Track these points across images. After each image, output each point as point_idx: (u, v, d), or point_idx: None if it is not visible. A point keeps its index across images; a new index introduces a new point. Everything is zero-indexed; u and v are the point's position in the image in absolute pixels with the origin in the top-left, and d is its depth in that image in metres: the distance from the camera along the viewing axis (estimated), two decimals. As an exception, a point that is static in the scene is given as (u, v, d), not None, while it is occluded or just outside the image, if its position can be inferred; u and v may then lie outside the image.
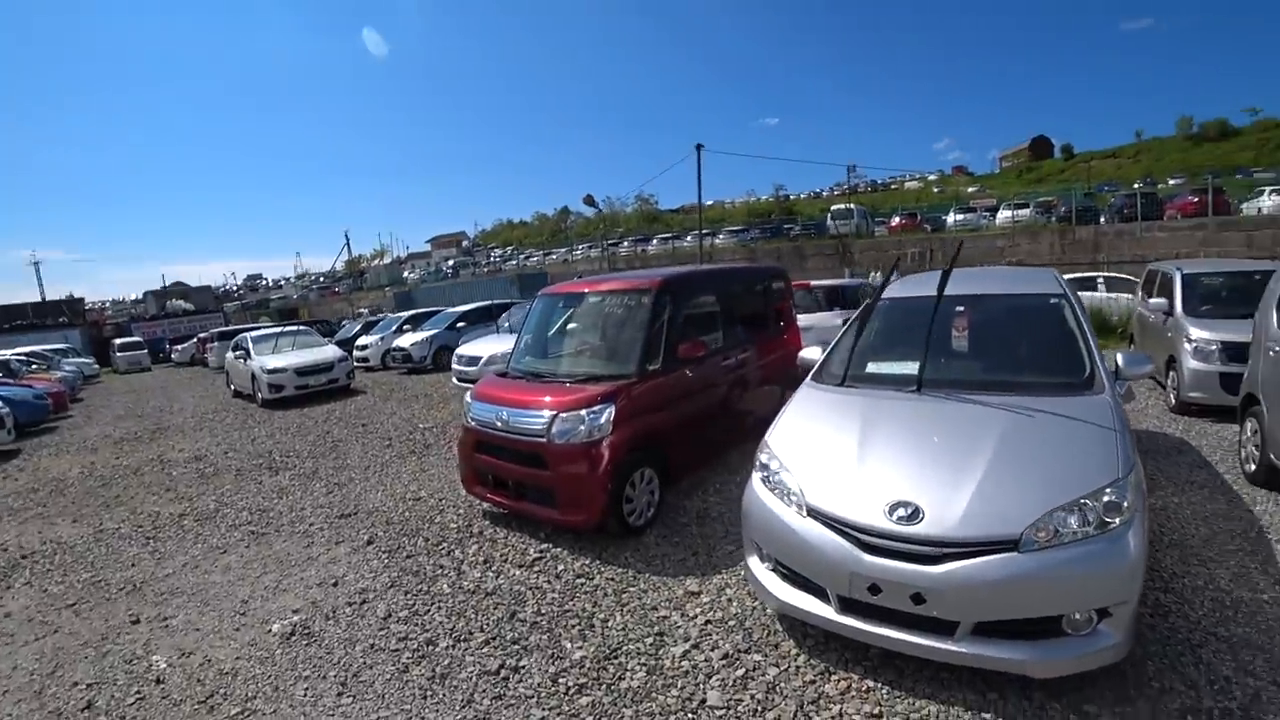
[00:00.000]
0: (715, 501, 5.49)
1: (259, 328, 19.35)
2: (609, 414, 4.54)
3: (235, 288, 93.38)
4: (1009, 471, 2.98)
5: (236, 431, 10.74)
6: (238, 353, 14.89)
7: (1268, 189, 29.95)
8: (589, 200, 36.00)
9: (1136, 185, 44.04)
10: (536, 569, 4.43)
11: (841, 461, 3.33)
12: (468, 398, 5.39)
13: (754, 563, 3.52)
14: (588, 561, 4.48)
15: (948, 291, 4.44)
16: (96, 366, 29.09)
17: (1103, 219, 31.44)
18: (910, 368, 4.19)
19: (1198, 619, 3.34)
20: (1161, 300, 8.19)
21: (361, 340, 19.09)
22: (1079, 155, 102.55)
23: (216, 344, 22.73)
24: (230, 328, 28.37)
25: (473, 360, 11.15)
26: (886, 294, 4.93)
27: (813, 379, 4.33)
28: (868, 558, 2.86)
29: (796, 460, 3.48)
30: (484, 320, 17.03)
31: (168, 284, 65.58)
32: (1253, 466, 5.18)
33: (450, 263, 68.92)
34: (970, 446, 3.16)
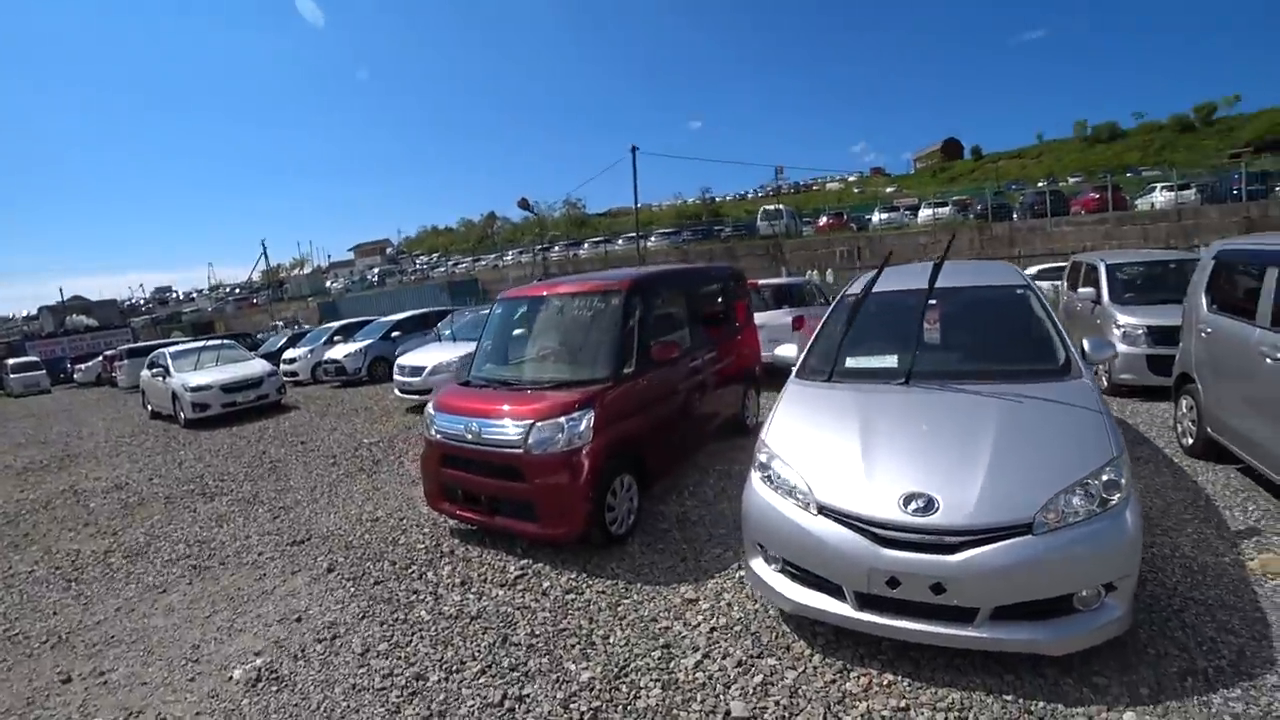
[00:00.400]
0: (693, 505, 5.40)
1: (175, 343, 18.08)
2: (588, 420, 4.37)
3: (143, 301, 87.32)
4: (1013, 458, 3.02)
5: (160, 455, 9.94)
6: (155, 370, 13.84)
7: (1159, 186, 32.49)
8: (524, 203, 35.24)
9: (1042, 184, 46.77)
10: (520, 587, 4.21)
11: (847, 457, 3.31)
12: (429, 409, 5.11)
13: (759, 565, 3.43)
14: (574, 575, 4.29)
15: (908, 286, 4.55)
16: (-15, 390, 26.62)
17: (1015, 215, 33.36)
18: (890, 361, 4.27)
19: (1173, 585, 3.51)
20: (1089, 290, 8.71)
21: (289, 353, 18.11)
22: (987, 156, 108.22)
23: (127, 362, 21.10)
24: (141, 344, 26.49)
25: (416, 370, 10.68)
26: (854, 290, 4.95)
27: (798, 376, 4.29)
28: (886, 551, 2.83)
29: (799, 458, 3.43)
30: (420, 329, 16.44)
31: (66, 299, 60.63)
32: (1189, 440, 5.53)
33: (375, 271, 66.55)
34: (971, 435, 3.19)
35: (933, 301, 4.63)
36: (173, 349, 14.24)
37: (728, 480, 5.95)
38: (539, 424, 4.35)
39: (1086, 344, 4.05)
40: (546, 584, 4.21)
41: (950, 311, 4.60)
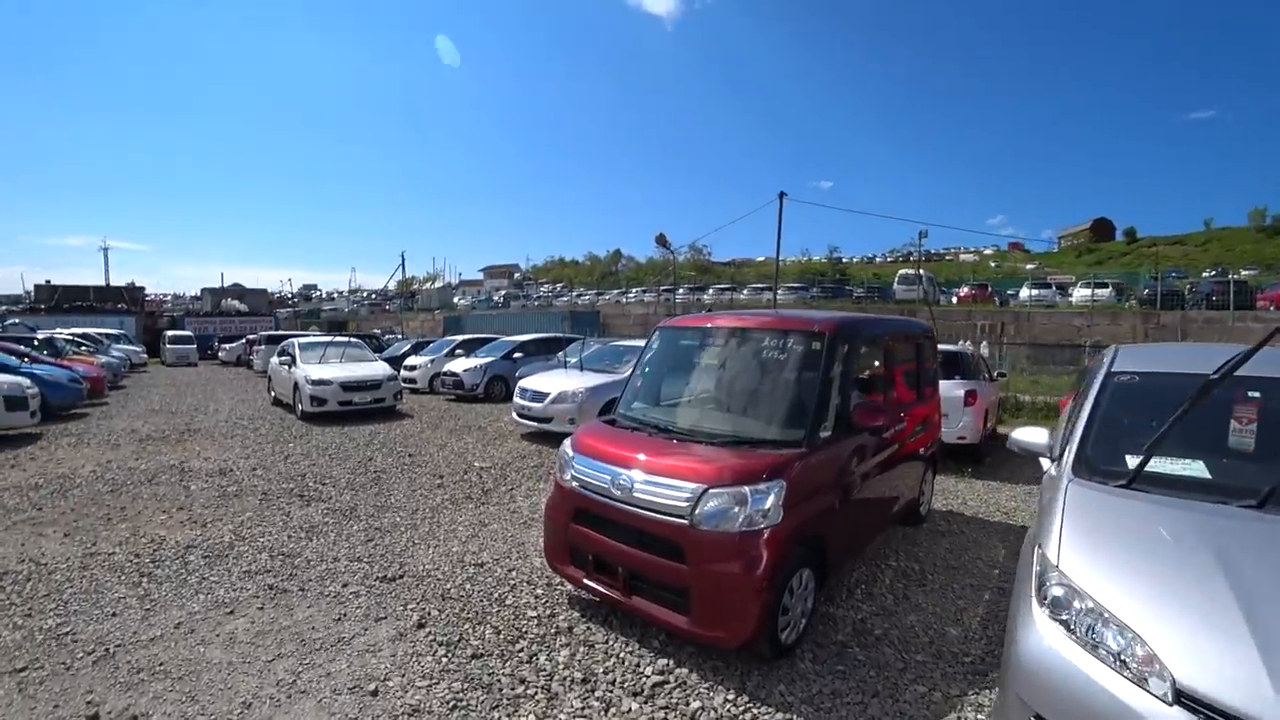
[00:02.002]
0: (870, 611, 4.18)
1: (307, 335, 18.66)
2: (777, 494, 3.29)
3: (290, 295, 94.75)
4: None
5: (270, 445, 9.71)
6: (283, 358, 14.05)
7: (1368, 285, 27.83)
8: (661, 239, 34.96)
9: (1230, 272, 41.67)
10: (660, 701, 3.13)
11: (1217, 618, 2.14)
12: (565, 448, 4.19)
13: None
14: (730, 696, 3.17)
15: (1199, 370, 3.35)
16: (145, 356, 29.06)
17: (1186, 305, 29.53)
18: (1201, 469, 3.02)
19: None
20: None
21: (410, 360, 18.19)
22: (1142, 239, 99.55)
23: (264, 347, 22.18)
24: (279, 332, 28.05)
25: (538, 395, 10.00)
26: (1131, 367, 3.69)
27: (1076, 474, 3.03)
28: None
29: (1128, 604, 2.23)
30: (542, 353, 16.05)
31: (226, 284, 66.59)
32: None
33: (501, 293, 68.83)
34: None
35: (1253, 394, 3.41)
36: (302, 340, 14.45)
37: (907, 582, 4.69)
38: (714, 490, 3.30)
39: None
40: (696, 704, 3.10)
41: (1269, 409, 3.31)
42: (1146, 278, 37.53)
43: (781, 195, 18.96)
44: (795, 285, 43.23)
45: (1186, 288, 32.53)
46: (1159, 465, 3.07)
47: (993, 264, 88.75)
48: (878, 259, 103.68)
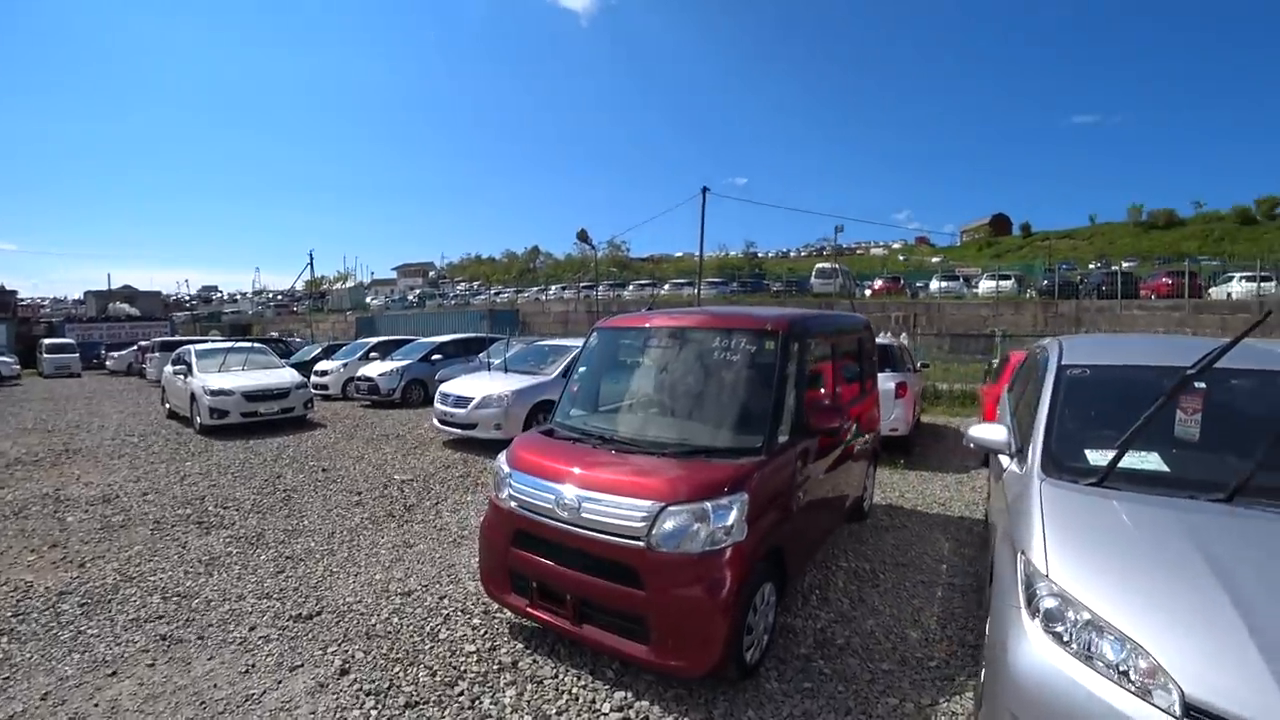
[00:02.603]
0: (829, 618, 4.03)
1: (205, 340, 17.24)
2: (740, 508, 3.04)
3: (188, 297, 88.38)
4: None
5: (164, 464, 8.77)
6: (178, 367, 12.84)
7: (1237, 275, 30.65)
8: (583, 235, 34.44)
9: (1112, 265, 44.97)
10: (621, 745, 2.84)
11: (1214, 625, 2.06)
12: (501, 463, 3.81)
13: None
14: (697, 731, 2.92)
15: (1148, 363, 3.43)
16: (17, 367, 26.25)
17: (1079, 294, 31.74)
18: (1158, 462, 3.02)
19: None
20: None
21: (321, 365, 17.10)
22: (1036, 234, 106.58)
23: (158, 354, 20.38)
24: (175, 338, 25.94)
25: (461, 400, 9.45)
26: (1080, 360, 3.69)
27: (1046, 474, 2.93)
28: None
29: (1126, 616, 2.13)
30: (463, 354, 15.39)
31: (115, 286, 61.28)
32: None
33: (416, 292, 66.50)
34: None
35: (1201, 385, 3.45)
36: (199, 346, 13.25)
37: (860, 583, 4.59)
38: (672, 508, 3.01)
39: None
40: (659, 744, 2.83)
41: (1216, 400, 3.37)
42: (1041, 270, 40.09)
43: (705, 190, 19.00)
44: (715, 280, 43.67)
45: (1079, 279, 34.96)
46: (1103, 458, 3.03)
47: (901, 257, 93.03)
48: (792, 254, 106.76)
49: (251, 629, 3.96)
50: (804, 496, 3.83)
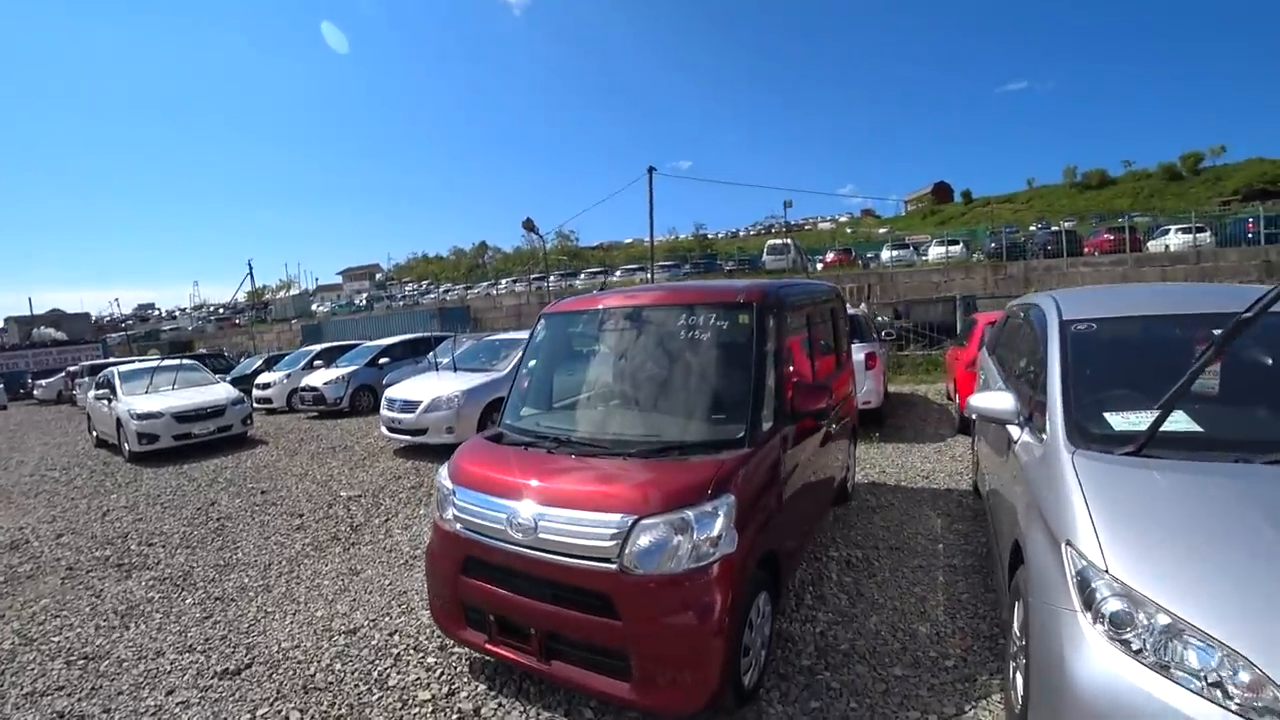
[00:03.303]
0: (828, 619, 3.65)
1: (128, 361, 16.11)
2: (727, 512, 2.60)
3: (123, 317, 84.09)
4: None
5: (85, 500, 7.97)
6: (101, 391, 11.87)
7: (1173, 228, 31.71)
8: (529, 224, 33.53)
9: (1051, 225, 46.10)
10: (608, 808, 2.39)
11: None
12: (442, 478, 3.30)
13: None
14: (694, 780, 2.49)
15: (1159, 312, 3.16)
16: (-65, 404, 24.41)
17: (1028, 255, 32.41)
18: (1186, 421, 2.67)
19: None
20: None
21: (263, 377, 16.14)
22: (978, 200, 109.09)
23: (88, 379, 19.06)
24: (103, 361, 24.42)
25: (409, 405, 8.83)
26: (1082, 315, 3.34)
27: (1075, 445, 2.54)
28: None
29: (1212, 616, 1.76)
30: (410, 355, 14.69)
31: (39, 311, 57.85)
32: None
33: (363, 296, 64.41)
34: None
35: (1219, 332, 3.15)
36: (123, 368, 12.28)
37: (855, 574, 4.23)
38: (646, 521, 2.55)
39: None
40: (652, 802, 2.40)
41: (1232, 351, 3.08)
42: (985, 234, 40.80)
43: (650, 170, 18.55)
44: (666, 264, 43.21)
45: (1024, 240, 35.70)
46: (1139, 421, 2.68)
47: (849, 230, 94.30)
48: (741, 233, 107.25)
49: (169, 693, 3.38)
50: (792, 488, 3.42)
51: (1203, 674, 1.69)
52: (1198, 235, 29.45)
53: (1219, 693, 1.66)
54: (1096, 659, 1.85)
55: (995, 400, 3.21)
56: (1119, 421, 2.69)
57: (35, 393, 27.82)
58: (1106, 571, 1.94)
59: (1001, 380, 4.33)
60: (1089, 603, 1.94)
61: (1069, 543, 2.10)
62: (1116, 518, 2.09)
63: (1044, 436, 2.74)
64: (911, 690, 2.97)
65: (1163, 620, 1.78)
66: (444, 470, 3.33)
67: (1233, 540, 1.94)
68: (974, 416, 3.41)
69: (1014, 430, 3.15)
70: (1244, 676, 1.63)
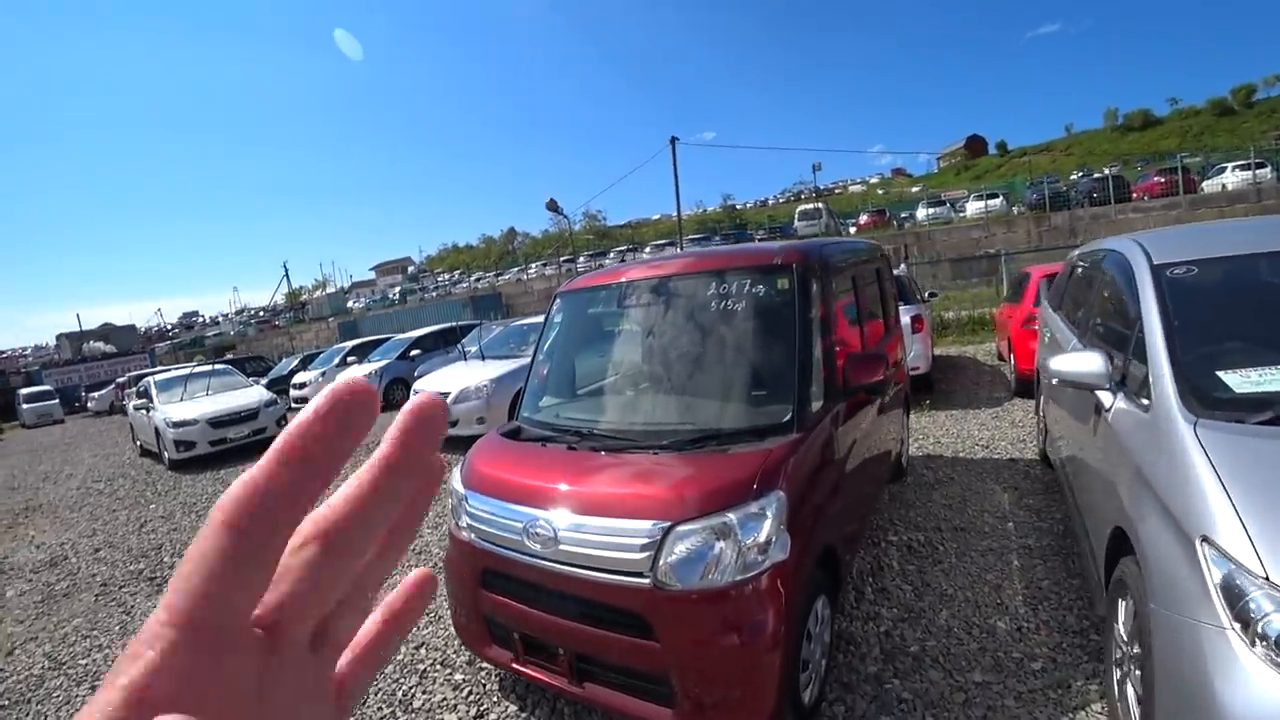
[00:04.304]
0: (891, 616, 3.27)
1: (163, 370, 16.35)
2: (776, 511, 2.25)
3: (169, 327, 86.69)
4: None
5: (125, 511, 7.98)
6: (140, 401, 12.00)
7: (1230, 166, 29.89)
8: (552, 204, 33.29)
9: (1094, 172, 44.10)
10: None
11: None
12: (455, 483, 3.00)
13: None
14: (754, 821, 2.17)
15: (1264, 248, 2.72)
16: (-4, 423, 25.40)
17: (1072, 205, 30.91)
18: None
19: None
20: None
21: (299, 377, 16.23)
22: (1013, 151, 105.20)
23: (135, 389, 19.52)
24: (150, 370, 25.04)
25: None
26: (1178, 257, 2.84)
27: (1197, 415, 2.10)
28: None
29: None
30: (442, 345, 14.54)
31: (88, 326, 59.97)
32: None
33: (397, 289, 65.10)
34: None
35: None
36: (158, 376, 12.40)
37: (919, 561, 3.84)
38: (683, 528, 2.21)
39: None
40: None
41: None
42: (1024, 186, 39.15)
43: (673, 140, 17.99)
44: (696, 236, 42.55)
45: (1069, 189, 34.10)
46: (1265, 380, 2.23)
47: (880, 191, 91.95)
48: (770, 201, 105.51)
49: None
50: (848, 472, 3.04)
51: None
52: (1257, 172, 27.66)
53: None
54: (1256, 688, 1.46)
55: (1082, 362, 2.77)
56: (1239, 381, 2.24)
57: (89, 405, 28.65)
58: (1267, 579, 1.53)
59: (1076, 339, 3.86)
60: (1242, 617, 1.54)
61: (1206, 539, 1.70)
62: (1269, 507, 1.67)
63: (1147, 403, 2.31)
64: (995, 700, 2.60)
65: None
66: (456, 472, 3.04)
67: None
68: (1053, 380, 2.98)
69: (1104, 396, 2.71)
70: None
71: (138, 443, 13.02)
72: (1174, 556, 1.81)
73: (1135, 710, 2.05)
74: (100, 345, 46.71)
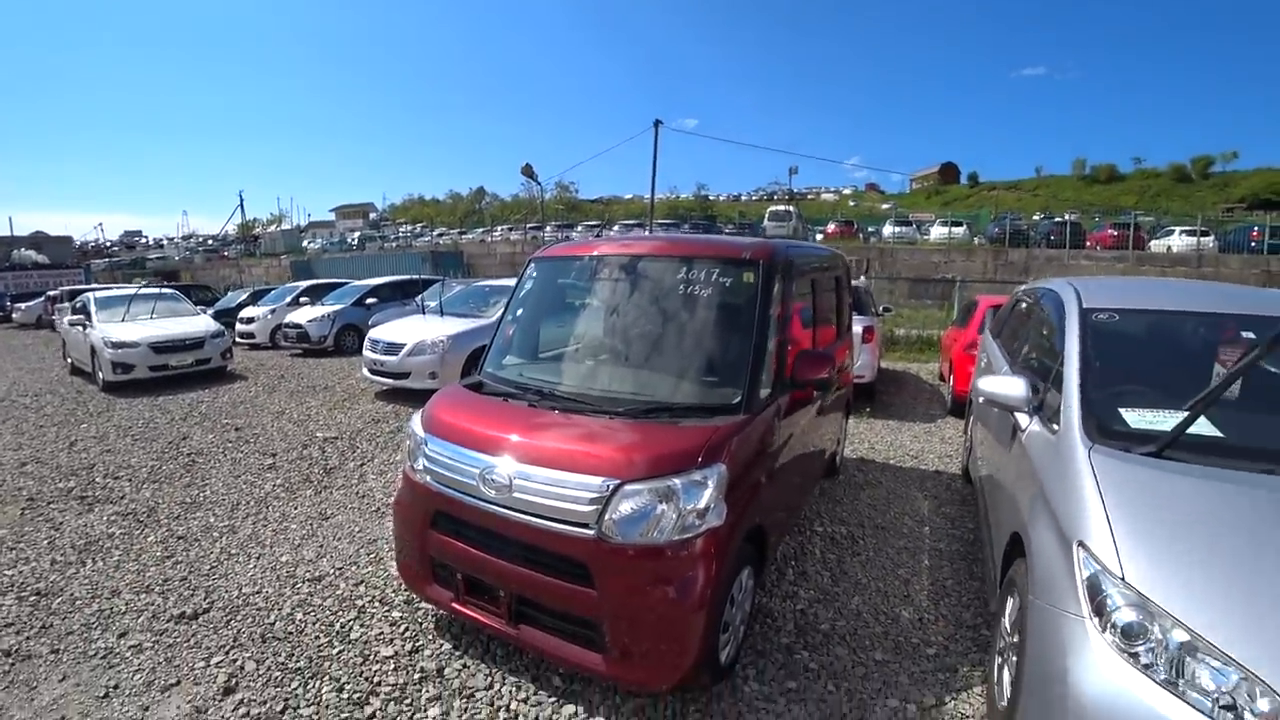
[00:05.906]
0: (809, 596, 3.55)
1: (107, 288, 15.70)
2: (717, 482, 2.45)
3: (109, 243, 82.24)
4: None
5: (54, 429, 7.75)
6: (76, 317, 11.54)
7: (1178, 229, 31.55)
8: (527, 170, 32.86)
9: (1054, 216, 45.81)
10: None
11: None
12: (415, 426, 3.12)
13: None
14: (664, 758, 2.38)
15: (1187, 308, 3.03)
16: (-96, 327, 23.90)
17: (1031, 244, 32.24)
18: (1206, 425, 2.51)
19: None
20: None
21: (246, 311, 15.81)
22: (984, 184, 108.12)
23: (68, 304, 18.62)
24: (85, 286, 23.86)
25: (392, 347, 8.62)
26: (1103, 304, 3.17)
27: (1093, 440, 2.38)
28: None
29: (1233, 636, 1.65)
30: (398, 297, 14.42)
31: (20, 233, 56.60)
32: None
33: (356, 235, 63.35)
34: None
35: (1249, 334, 3.03)
36: (99, 294, 11.94)
37: (839, 551, 4.14)
38: (630, 486, 2.39)
39: None
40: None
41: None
42: (988, 218, 40.56)
43: (657, 123, 18.02)
44: (665, 221, 42.66)
45: (1030, 228, 35.54)
46: (1157, 421, 2.53)
47: (852, 203, 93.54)
48: (744, 197, 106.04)
49: (121, 635, 3.24)
50: (785, 460, 3.28)
51: (1216, 696, 1.57)
52: (1201, 239, 29.26)
53: (1231, 716, 1.54)
54: (1102, 671, 1.73)
55: (1006, 385, 3.05)
56: (1136, 419, 2.54)
57: (13, 316, 27.24)
58: (1122, 578, 1.80)
59: (1007, 365, 4.18)
60: (1099, 610, 1.81)
61: (1082, 543, 1.97)
62: (1136, 522, 1.95)
63: (1056, 428, 2.59)
64: (891, 676, 2.88)
65: (1179, 636, 1.65)
66: (416, 418, 3.15)
67: (1261, 556, 1.80)
68: (980, 399, 3.26)
69: (1022, 418, 3.00)
70: (1264, 704, 1.51)
71: (68, 360, 12.52)
72: (1056, 557, 2.08)
73: (1008, 690, 2.32)
74: (31, 254, 44.19)
